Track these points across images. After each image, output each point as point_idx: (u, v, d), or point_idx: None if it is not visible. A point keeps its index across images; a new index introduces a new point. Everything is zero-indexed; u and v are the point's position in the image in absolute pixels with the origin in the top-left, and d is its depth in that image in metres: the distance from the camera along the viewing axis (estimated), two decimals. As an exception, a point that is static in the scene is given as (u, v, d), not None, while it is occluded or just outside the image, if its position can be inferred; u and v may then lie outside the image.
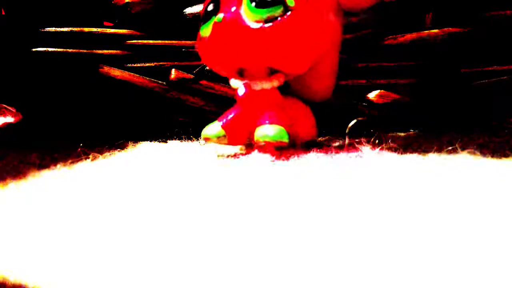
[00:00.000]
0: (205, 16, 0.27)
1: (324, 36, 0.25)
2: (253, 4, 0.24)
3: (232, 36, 0.25)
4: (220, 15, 0.25)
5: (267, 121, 0.25)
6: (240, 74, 0.27)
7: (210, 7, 0.26)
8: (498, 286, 0.12)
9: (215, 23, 0.25)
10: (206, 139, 0.27)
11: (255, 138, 0.25)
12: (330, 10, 0.26)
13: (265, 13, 0.24)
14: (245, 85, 0.26)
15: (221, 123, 0.27)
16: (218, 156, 0.27)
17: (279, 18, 0.24)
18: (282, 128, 0.25)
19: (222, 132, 0.27)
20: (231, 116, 0.27)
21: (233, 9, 0.25)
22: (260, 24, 0.24)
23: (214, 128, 0.27)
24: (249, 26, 0.24)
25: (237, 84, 0.27)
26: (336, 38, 0.27)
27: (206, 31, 0.26)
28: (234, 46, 0.25)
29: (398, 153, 0.26)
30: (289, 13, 0.24)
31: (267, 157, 0.26)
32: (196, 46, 0.28)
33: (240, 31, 0.24)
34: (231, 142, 0.27)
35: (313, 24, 0.25)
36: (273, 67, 0.26)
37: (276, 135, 0.24)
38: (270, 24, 0.24)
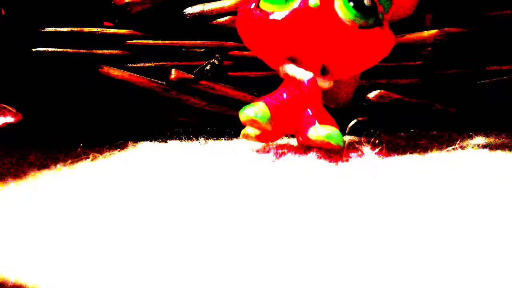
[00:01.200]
0: None
1: (386, 50, 0.26)
2: (351, 3, 0.24)
3: (323, 25, 0.24)
4: (316, 1, 0.23)
5: (317, 121, 0.24)
6: (292, 61, 0.25)
7: None
8: (499, 286, 0.12)
9: (304, 7, 0.23)
10: (251, 122, 0.24)
11: (314, 137, 0.23)
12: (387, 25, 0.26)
13: (361, 18, 0.24)
14: (312, 78, 0.25)
15: (265, 104, 0.24)
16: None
17: (371, 28, 0.24)
18: (340, 134, 0.24)
19: (269, 114, 0.24)
20: (281, 99, 0.25)
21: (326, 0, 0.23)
22: (353, 26, 0.24)
23: (259, 110, 0.24)
24: (343, 23, 0.24)
25: (300, 73, 0.25)
26: None
27: (277, 7, 0.24)
28: (321, 34, 0.24)
29: (398, 153, 0.27)
30: (379, 26, 0.24)
31: (267, 157, 0.26)
32: (246, 21, 0.25)
33: (333, 24, 0.24)
34: (271, 133, 0.25)
35: (388, 41, 0.26)
36: (335, 68, 0.26)
37: (339, 138, 0.24)
38: (362, 29, 0.24)
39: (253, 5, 0.25)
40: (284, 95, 0.25)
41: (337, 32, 0.24)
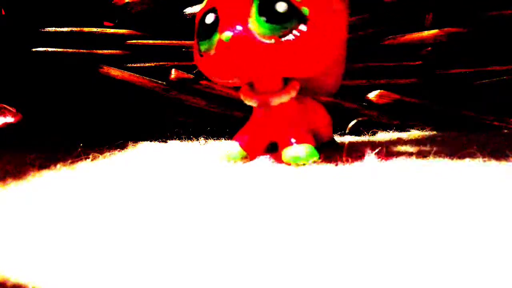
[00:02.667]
0: (204, 30, 0.24)
1: (340, 36, 0.25)
2: (264, 18, 0.22)
3: (243, 54, 0.23)
4: (228, 34, 0.22)
5: (293, 140, 0.24)
6: (250, 85, 0.26)
7: (209, 20, 0.24)
8: (498, 286, 0.12)
9: (221, 41, 0.23)
10: (232, 161, 0.26)
11: (286, 159, 0.24)
12: (339, 9, 0.25)
13: (279, 30, 0.22)
14: (262, 101, 0.25)
15: (238, 143, 0.26)
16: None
17: (294, 31, 0.22)
18: (311, 146, 0.24)
19: (244, 152, 0.26)
20: (248, 134, 0.26)
21: (239, 27, 0.22)
22: (274, 40, 0.22)
23: (235, 151, 0.26)
24: (262, 43, 0.22)
25: (252, 102, 0.25)
26: (345, 34, 0.26)
27: (208, 47, 0.24)
28: (246, 63, 0.23)
29: (398, 153, 0.26)
30: (303, 25, 0.22)
31: (267, 158, 0.26)
32: (196, 61, 0.26)
33: (252, 49, 0.22)
34: (252, 159, 0.26)
35: (329, 28, 0.23)
36: (289, 76, 0.25)
37: (308, 156, 0.24)
38: (286, 38, 0.22)
39: (197, 49, 0.25)
40: (249, 127, 0.26)
41: (261, 52, 0.22)
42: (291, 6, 0.22)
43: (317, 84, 0.27)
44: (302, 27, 0.22)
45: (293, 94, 0.25)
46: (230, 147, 0.26)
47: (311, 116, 0.27)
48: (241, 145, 0.26)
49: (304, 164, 0.23)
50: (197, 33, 0.25)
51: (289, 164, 0.24)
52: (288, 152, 0.24)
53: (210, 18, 0.24)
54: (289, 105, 0.25)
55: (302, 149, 0.24)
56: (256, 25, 0.22)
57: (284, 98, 0.25)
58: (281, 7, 0.22)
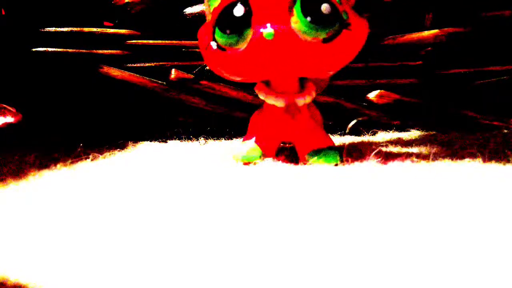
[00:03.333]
0: (231, 23, 0.23)
1: (363, 41, 0.24)
2: (309, 19, 0.22)
3: (285, 53, 0.22)
4: (270, 31, 0.22)
5: (321, 144, 0.25)
6: (265, 83, 0.25)
7: (239, 12, 0.22)
8: (498, 285, 0.12)
9: (260, 37, 0.22)
10: (246, 163, 0.25)
11: (318, 161, 0.24)
12: (355, 13, 0.24)
13: (324, 32, 0.22)
14: (289, 101, 0.25)
15: (252, 141, 0.25)
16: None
17: (337, 35, 0.22)
18: (337, 153, 0.25)
19: (261, 152, 0.25)
20: (264, 133, 0.26)
21: (281, 25, 0.22)
22: (317, 41, 0.22)
23: (251, 150, 0.25)
24: (307, 43, 0.22)
25: (278, 101, 0.25)
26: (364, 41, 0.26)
27: (237, 41, 0.23)
28: (284, 61, 0.22)
29: (398, 153, 0.26)
30: (345, 29, 0.22)
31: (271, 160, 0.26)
32: (209, 54, 0.24)
33: (296, 48, 0.22)
34: (267, 157, 0.26)
35: (360, 34, 0.23)
36: (314, 77, 0.25)
37: (335, 160, 0.24)
38: (329, 41, 0.22)
39: (212, 42, 0.24)
40: (263, 126, 0.26)
41: (303, 52, 0.22)
42: (334, 9, 0.22)
43: (319, 84, 0.27)
44: (345, 31, 0.22)
45: (314, 95, 0.25)
46: (244, 146, 0.26)
47: (315, 117, 0.27)
48: (257, 143, 0.25)
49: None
50: (219, 24, 0.23)
51: (317, 164, 0.24)
52: (316, 155, 0.24)
53: (239, 10, 0.22)
54: (305, 107, 0.25)
55: (329, 154, 0.24)
56: (299, 24, 0.22)
57: (308, 99, 0.25)
58: (326, 8, 0.22)
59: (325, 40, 0.22)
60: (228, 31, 0.23)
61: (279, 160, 0.25)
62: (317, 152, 0.24)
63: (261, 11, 0.22)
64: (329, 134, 0.32)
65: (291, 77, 0.25)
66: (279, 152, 0.26)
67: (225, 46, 0.23)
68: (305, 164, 0.24)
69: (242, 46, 0.22)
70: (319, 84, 0.28)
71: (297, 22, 0.22)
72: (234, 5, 0.23)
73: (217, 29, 0.23)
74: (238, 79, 0.25)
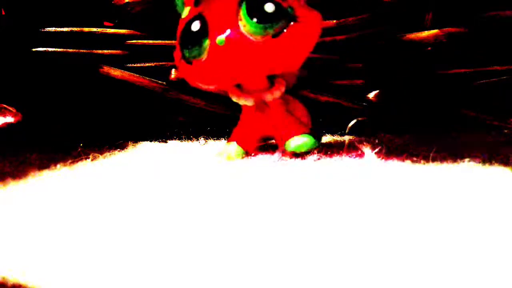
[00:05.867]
0: (190, 38, 0.25)
1: (317, 31, 0.26)
2: (255, 20, 0.23)
3: (239, 55, 0.24)
4: (221, 37, 0.24)
5: (295, 133, 0.26)
6: (238, 86, 0.27)
7: (195, 27, 0.25)
8: (498, 285, 0.12)
9: (214, 45, 0.24)
10: (229, 160, 0.27)
11: (291, 149, 0.26)
12: (306, 6, 0.26)
13: (271, 28, 0.23)
14: (258, 98, 0.26)
15: (235, 143, 0.27)
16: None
17: (285, 30, 0.24)
18: (310, 136, 0.26)
19: (242, 150, 0.27)
20: (243, 132, 0.28)
21: (231, 30, 0.24)
22: (267, 39, 0.23)
23: (233, 150, 0.27)
24: (257, 42, 0.24)
25: (248, 101, 0.26)
26: (320, 30, 0.27)
27: (198, 53, 0.25)
28: (242, 63, 0.24)
29: (398, 153, 0.27)
30: (293, 22, 0.24)
31: (267, 158, 0.26)
32: (182, 70, 0.27)
33: (247, 49, 0.24)
34: (249, 154, 0.28)
35: (311, 26, 0.25)
36: (277, 73, 0.26)
37: (311, 144, 0.26)
38: (278, 36, 0.24)
39: (180, 59, 0.26)
40: (243, 125, 0.28)
41: (254, 52, 0.24)
42: (278, 6, 0.24)
43: (288, 79, 0.28)
44: (292, 24, 0.24)
45: (283, 89, 0.27)
46: (228, 147, 0.27)
47: (293, 109, 0.28)
48: (239, 144, 0.27)
49: (307, 151, 0.26)
50: (182, 42, 0.26)
51: (293, 153, 0.26)
52: (292, 143, 0.26)
53: (196, 26, 0.25)
54: (278, 101, 0.27)
55: (304, 139, 0.26)
56: (247, 26, 0.24)
57: (277, 94, 0.26)
58: (269, 7, 0.24)
59: (274, 36, 0.24)
60: (189, 46, 0.25)
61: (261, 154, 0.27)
62: (292, 140, 0.26)
63: (215, 21, 0.24)
64: (329, 134, 0.32)
65: (256, 77, 0.26)
66: (264, 149, 0.28)
67: (190, 59, 0.25)
68: (284, 155, 0.26)
69: (204, 56, 0.25)
70: (289, 79, 0.29)
71: (245, 25, 0.24)
72: (191, 22, 0.25)
73: (182, 48, 0.26)
74: (211, 87, 0.27)
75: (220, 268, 0.13)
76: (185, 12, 0.27)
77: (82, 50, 0.36)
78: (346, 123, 0.37)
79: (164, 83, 0.37)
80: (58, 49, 0.36)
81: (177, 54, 0.27)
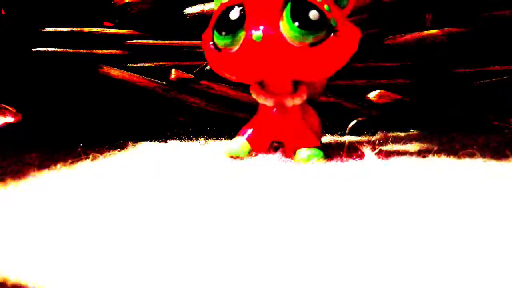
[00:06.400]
0: (226, 25, 0.24)
1: (354, 48, 0.25)
2: (297, 24, 0.23)
3: (272, 56, 0.23)
4: (258, 33, 0.23)
5: (306, 144, 0.26)
6: (260, 84, 0.26)
7: (234, 15, 0.24)
8: (498, 285, 0.12)
9: (250, 39, 0.23)
10: (235, 157, 0.27)
11: (301, 160, 0.25)
12: (348, 21, 0.25)
13: (311, 37, 0.23)
14: (278, 101, 0.26)
15: (244, 137, 0.27)
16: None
17: (325, 40, 0.23)
18: (320, 151, 0.26)
19: (249, 147, 0.27)
20: (254, 130, 0.27)
21: (270, 28, 0.23)
22: (304, 46, 0.23)
23: (240, 144, 0.27)
24: (293, 47, 0.23)
25: (267, 101, 0.26)
26: (357, 47, 0.27)
27: (231, 43, 0.24)
28: (273, 64, 0.24)
29: (398, 153, 0.27)
30: (333, 35, 0.23)
31: (267, 158, 0.26)
32: (209, 55, 0.26)
33: (282, 52, 0.23)
34: (256, 154, 0.27)
35: (349, 41, 0.25)
36: (304, 80, 0.26)
37: (320, 158, 0.25)
38: (315, 46, 0.23)
39: (210, 42, 0.26)
40: (255, 124, 0.27)
41: (290, 56, 0.23)
42: (322, 16, 0.23)
43: (312, 89, 0.28)
44: (332, 36, 0.23)
45: (305, 97, 0.26)
46: (235, 141, 0.27)
47: (308, 119, 0.28)
48: (247, 140, 0.27)
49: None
50: (216, 26, 0.25)
51: (304, 163, 0.25)
52: (301, 155, 0.25)
53: (235, 14, 0.24)
54: (297, 108, 0.26)
55: (314, 152, 0.25)
56: (288, 29, 0.23)
57: (298, 101, 0.26)
58: (314, 15, 0.23)
59: (311, 45, 0.23)
60: (223, 33, 0.24)
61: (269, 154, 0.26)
62: (302, 152, 0.26)
63: (255, 14, 0.24)
64: (329, 134, 0.32)
65: (281, 79, 0.26)
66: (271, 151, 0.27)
67: (220, 47, 0.25)
68: (286, 156, 0.26)
69: (235, 47, 0.24)
70: (315, 88, 0.28)
71: (286, 26, 0.23)
72: (230, 9, 0.24)
73: (215, 31, 0.25)
74: (233, 78, 0.26)
75: (220, 268, 0.13)
76: None
77: (82, 50, 0.36)
78: (346, 123, 0.37)
79: (164, 83, 0.37)
80: (58, 49, 0.36)
81: (206, 36, 0.26)
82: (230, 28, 0.24)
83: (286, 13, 0.23)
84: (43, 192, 0.21)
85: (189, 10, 0.36)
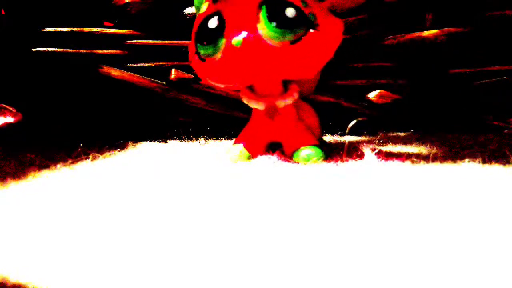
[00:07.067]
0: (206, 35, 0.24)
1: (337, 40, 0.25)
2: (274, 24, 0.23)
3: (254, 59, 0.23)
4: (238, 39, 0.23)
5: (304, 143, 0.26)
6: (250, 88, 0.26)
7: (213, 24, 0.24)
8: (498, 285, 0.12)
9: (231, 46, 0.23)
10: (235, 162, 0.27)
11: (300, 159, 0.25)
12: (329, 14, 0.25)
13: (290, 35, 0.23)
14: (269, 103, 0.26)
15: (242, 145, 0.27)
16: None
17: (304, 36, 0.23)
18: (318, 149, 0.25)
19: (248, 153, 0.26)
20: (250, 135, 0.27)
21: (248, 32, 0.23)
22: (284, 44, 0.23)
23: (239, 152, 0.27)
24: (273, 47, 0.23)
25: (258, 104, 0.26)
26: (340, 40, 0.27)
27: (213, 51, 0.24)
28: (256, 67, 0.24)
29: (397, 153, 0.27)
30: (312, 30, 0.23)
31: (267, 158, 0.26)
32: (195, 65, 0.26)
33: (263, 53, 0.23)
34: (255, 158, 0.27)
35: (331, 34, 0.24)
36: (292, 79, 0.26)
37: (318, 158, 0.25)
38: (296, 43, 0.23)
39: (195, 52, 0.25)
40: (251, 128, 0.27)
41: (271, 56, 0.23)
42: (299, 12, 0.23)
43: (305, 86, 0.28)
44: (312, 32, 0.23)
45: (296, 96, 0.26)
46: (234, 149, 0.27)
47: (305, 117, 0.27)
48: (245, 146, 0.27)
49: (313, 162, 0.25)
50: (197, 37, 0.25)
51: (298, 163, 0.25)
52: (300, 154, 0.25)
53: (213, 23, 0.24)
54: (290, 107, 0.26)
55: (312, 151, 0.25)
56: (266, 30, 0.23)
57: (289, 101, 0.26)
58: (291, 12, 0.23)
59: (292, 42, 0.23)
60: (204, 43, 0.25)
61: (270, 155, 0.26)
62: (300, 151, 0.25)
63: (233, 21, 0.24)
64: (329, 134, 0.32)
65: (269, 81, 0.25)
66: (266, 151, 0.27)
67: (204, 57, 0.25)
68: (285, 158, 0.26)
69: (218, 55, 0.24)
70: (308, 84, 0.28)
71: (264, 28, 0.23)
72: (209, 18, 0.24)
73: (197, 42, 0.25)
74: (221, 86, 0.26)
75: (220, 267, 0.13)
76: (203, 7, 0.26)
77: (82, 50, 0.36)
78: (346, 123, 0.37)
79: (164, 83, 0.37)
80: (58, 49, 0.36)
81: (191, 48, 0.26)
82: (210, 37, 0.24)
83: (263, 14, 0.23)
84: (43, 192, 0.21)
85: (189, 10, 0.36)
